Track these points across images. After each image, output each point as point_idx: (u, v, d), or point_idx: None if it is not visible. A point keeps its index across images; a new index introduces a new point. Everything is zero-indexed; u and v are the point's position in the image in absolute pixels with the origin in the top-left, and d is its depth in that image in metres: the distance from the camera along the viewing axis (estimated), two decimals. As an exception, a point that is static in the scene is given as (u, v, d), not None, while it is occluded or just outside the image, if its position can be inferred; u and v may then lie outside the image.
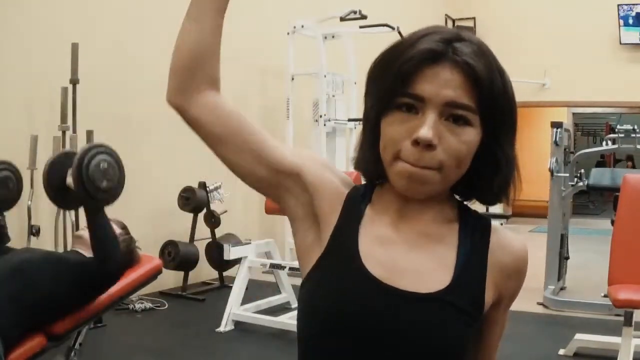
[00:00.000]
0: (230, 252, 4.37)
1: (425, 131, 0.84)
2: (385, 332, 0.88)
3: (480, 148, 0.90)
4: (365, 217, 0.95)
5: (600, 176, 5.26)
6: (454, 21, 10.18)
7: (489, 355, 1.01)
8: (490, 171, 0.92)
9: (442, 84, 0.86)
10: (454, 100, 0.85)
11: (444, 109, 0.86)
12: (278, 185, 0.96)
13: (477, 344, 0.97)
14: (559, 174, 5.03)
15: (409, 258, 0.92)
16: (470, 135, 0.87)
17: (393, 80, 0.87)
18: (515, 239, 0.97)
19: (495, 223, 0.98)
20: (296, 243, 0.98)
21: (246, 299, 4.42)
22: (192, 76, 0.95)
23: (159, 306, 4.69)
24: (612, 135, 5.35)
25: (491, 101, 0.87)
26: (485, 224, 0.96)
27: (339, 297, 0.90)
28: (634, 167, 12.26)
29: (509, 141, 0.92)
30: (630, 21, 9.10)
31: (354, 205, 0.96)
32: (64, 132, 4.25)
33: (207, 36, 0.96)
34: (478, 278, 0.92)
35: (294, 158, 0.96)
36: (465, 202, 0.98)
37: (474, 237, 0.94)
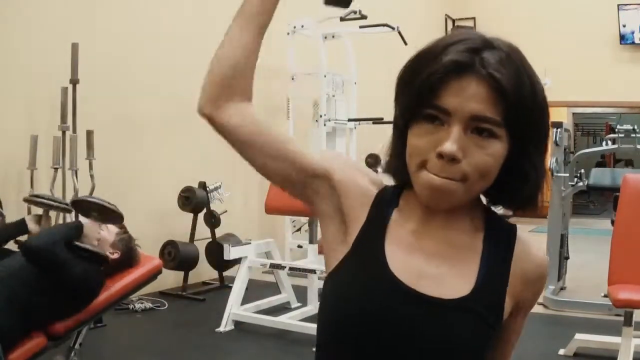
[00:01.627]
0: (230, 252, 4.37)
1: (449, 145, 0.84)
2: (406, 336, 0.88)
3: (508, 159, 0.89)
4: (392, 221, 0.96)
5: (600, 176, 5.27)
6: (454, 21, 10.18)
7: None
8: (518, 182, 0.91)
9: (468, 97, 0.85)
10: (479, 115, 0.85)
11: (469, 122, 0.85)
12: (307, 187, 0.98)
13: (492, 352, 0.97)
14: (559, 174, 5.02)
15: (431, 265, 0.92)
16: (496, 148, 0.87)
17: (419, 91, 0.87)
18: (538, 250, 0.98)
19: (520, 230, 0.98)
20: (324, 239, 1.00)
21: (246, 299, 4.42)
22: (229, 88, 0.96)
23: (159, 306, 4.69)
24: (612, 135, 5.36)
25: (518, 113, 0.86)
26: (511, 232, 0.96)
27: (361, 299, 0.90)
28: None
29: (538, 151, 0.92)
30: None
31: (382, 207, 0.96)
32: (64, 132, 4.25)
33: (249, 50, 0.97)
34: (499, 287, 0.93)
35: (322, 160, 0.98)
36: (492, 207, 0.98)
37: (499, 246, 0.94)
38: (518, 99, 0.85)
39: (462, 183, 0.87)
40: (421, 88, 0.87)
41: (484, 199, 0.98)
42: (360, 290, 0.91)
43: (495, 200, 0.96)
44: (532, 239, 0.98)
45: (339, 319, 0.91)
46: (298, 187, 0.98)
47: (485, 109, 0.85)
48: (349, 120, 6.20)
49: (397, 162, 0.95)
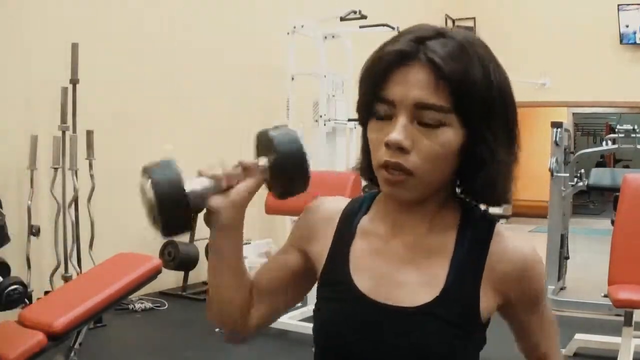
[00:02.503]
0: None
1: (395, 134, 0.83)
2: (377, 349, 0.90)
3: (466, 148, 0.87)
4: (359, 231, 0.97)
5: (600, 176, 5.27)
6: (454, 21, 10.18)
7: (546, 354, 1.06)
8: (473, 169, 0.88)
9: (411, 85, 0.83)
10: (423, 101, 0.83)
11: (415, 111, 0.84)
12: (306, 265, 1.03)
13: (522, 343, 1.03)
14: (559, 174, 5.02)
15: (400, 271, 0.92)
16: (446, 137, 0.84)
17: (368, 86, 0.88)
18: (516, 243, 0.93)
19: (500, 226, 0.95)
20: None
21: (246, 299, 4.41)
22: (228, 319, 1.03)
23: (159, 306, 4.69)
24: (612, 135, 5.35)
25: (467, 99, 0.83)
26: (488, 228, 0.93)
27: (333, 322, 0.94)
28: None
29: (498, 139, 0.87)
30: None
31: (349, 222, 0.98)
32: (64, 132, 4.25)
33: (231, 292, 1.00)
34: (471, 288, 0.90)
35: (293, 243, 1.04)
36: (474, 203, 0.95)
37: (473, 245, 0.91)
38: (466, 85, 0.83)
39: (413, 177, 0.85)
40: (369, 82, 0.87)
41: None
42: (330, 315, 0.95)
43: (461, 192, 0.94)
44: (513, 233, 0.95)
45: (317, 343, 0.98)
46: (308, 272, 1.02)
47: (429, 95, 0.83)
48: (349, 120, 6.19)
49: (364, 161, 0.95)
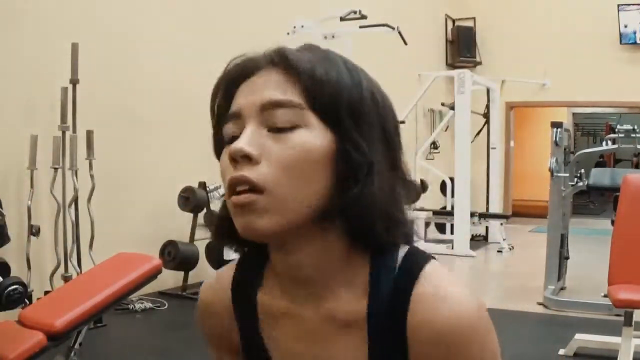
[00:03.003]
0: (231, 252, 4.36)
1: (237, 143, 0.69)
2: None
3: (333, 156, 0.71)
4: (263, 311, 0.80)
5: (600, 176, 5.27)
6: (454, 21, 10.18)
7: None
8: (346, 183, 0.70)
9: (257, 89, 0.71)
10: (270, 99, 0.70)
11: (264, 114, 0.70)
12: None
13: None
14: (559, 174, 5.02)
15: (317, 356, 0.77)
16: (301, 137, 0.69)
17: (217, 116, 0.77)
18: (437, 314, 0.70)
19: (426, 274, 0.72)
20: None
21: (246, 299, 4.41)
22: None
23: (159, 306, 4.69)
24: (612, 135, 5.35)
25: (327, 95, 0.70)
26: (405, 282, 0.72)
27: None
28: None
29: (375, 147, 0.72)
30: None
31: (245, 300, 0.82)
32: (64, 132, 4.25)
33: None
34: None
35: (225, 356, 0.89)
36: (388, 251, 0.74)
37: (387, 316, 0.72)
38: (323, 80, 0.70)
39: (266, 195, 0.68)
40: (216, 110, 0.77)
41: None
42: None
43: (358, 237, 0.74)
44: (446, 280, 0.72)
45: None
46: None
47: (278, 93, 0.70)
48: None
49: (226, 218, 0.75)
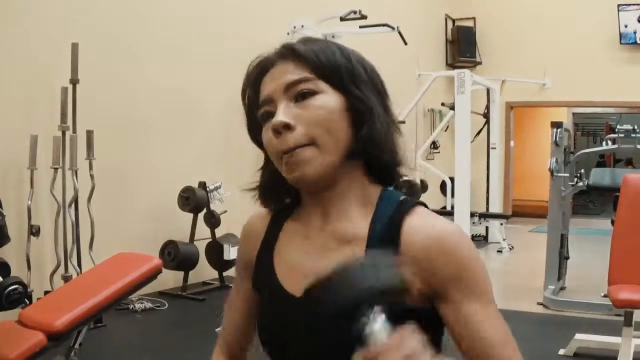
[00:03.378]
0: (230, 252, 4.37)
1: (275, 118, 0.91)
2: (307, 343, 0.93)
3: (346, 109, 0.93)
4: (282, 233, 1.02)
5: (600, 176, 5.26)
6: (454, 21, 10.18)
7: (491, 356, 0.87)
8: (358, 127, 0.93)
9: (279, 76, 0.93)
10: (290, 80, 0.92)
11: (289, 92, 0.92)
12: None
13: (464, 353, 0.89)
14: (559, 174, 5.02)
15: (321, 263, 0.90)
16: (323, 100, 0.91)
17: (250, 104, 0.99)
18: (430, 221, 0.91)
19: (420, 208, 0.93)
20: None
21: (246, 299, 4.41)
22: None
23: (159, 306, 4.69)
24: (612, 135, 5.35)
25: (328, 66, 0.92)
26: (399, 211, 0.92)
27: (268, 325, 1.00)
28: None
29: (372, 98, 0.94)
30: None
31: (275, 228, 1.03)
32: (64, 132, 4.25)
33: None
34: None
35: (244, 282, 1.08)
36: (392, 188, 0.98)
37: (386, 228, 0.92)
38: (323, 57, 0.93)
39: (313, 146, 0.90)
40: (248, 101, 0.99)
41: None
42: (265, 320, 1.01)
43: (375, 175, 0.98)
44: (436, 215, 0.92)
45: (264, 348, 1.02)
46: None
47: (293, 75, 0.92)
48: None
49: (264, 176, 1.01)
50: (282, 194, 1.01)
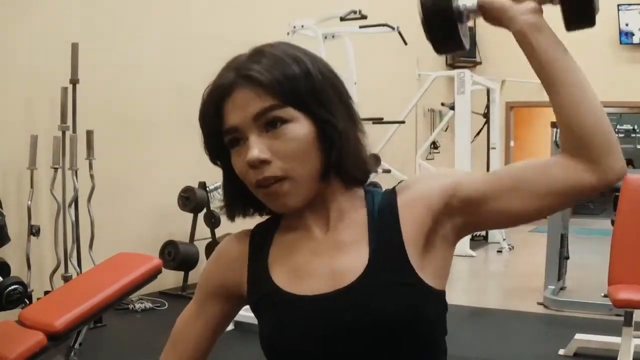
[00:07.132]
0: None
1: (250, 153, 0.89)
2: (328, 340, 0.91)
3: (317, 134, 0.92)
4: (275, 248, 1.00)
5: (600, 176, 5.26)
6: (454, 21, 10.18)
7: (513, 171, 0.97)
8: (329, 150, 0.93)
9: (242, 105, 0.91)
10: (257, 111, 0.90)
11: (257, 123, 0.90)
12: (232, 307, 1.16)
13: (506, 201, 0.93)
14: (559, 174, 5.02)
15: (325, 259, 0.95)
16: (295, 130, 0.91)
17: (209, 128, 0.96)
18: (415, 178, 1.01)
19: (406, 181, 1.00)
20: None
21: (246, 299, 4.41)
22: None
23: (159, 306, 4.69)
24: (612, 135, 5.35)
25: (293, 91, 0.90)
26: (392, 190, 0.98)
27: (277, 334, 0.96)
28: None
29: (338, 115, 0.94)
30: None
31: (262, 239, 1.02)
32: (64, 132, 4.25)
33: None
34: (395, 247, 0.92)
35: (208, 303, 1.17)
36: (371, 184, 1.01)
37: (383, 212, 0.95)
38: (284, 81, 0.90)
39: (288, 180, 0.91)
40: (206, 124, 0.96)
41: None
42: (273, 329, 0.96)
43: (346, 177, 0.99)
44: (413, 177, 1.00)
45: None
46: (234, 309, 1.16)
47: (259, 104, 0.90)
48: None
49: (229, 193, 1.00)
50: (250, 205, 1.01)
